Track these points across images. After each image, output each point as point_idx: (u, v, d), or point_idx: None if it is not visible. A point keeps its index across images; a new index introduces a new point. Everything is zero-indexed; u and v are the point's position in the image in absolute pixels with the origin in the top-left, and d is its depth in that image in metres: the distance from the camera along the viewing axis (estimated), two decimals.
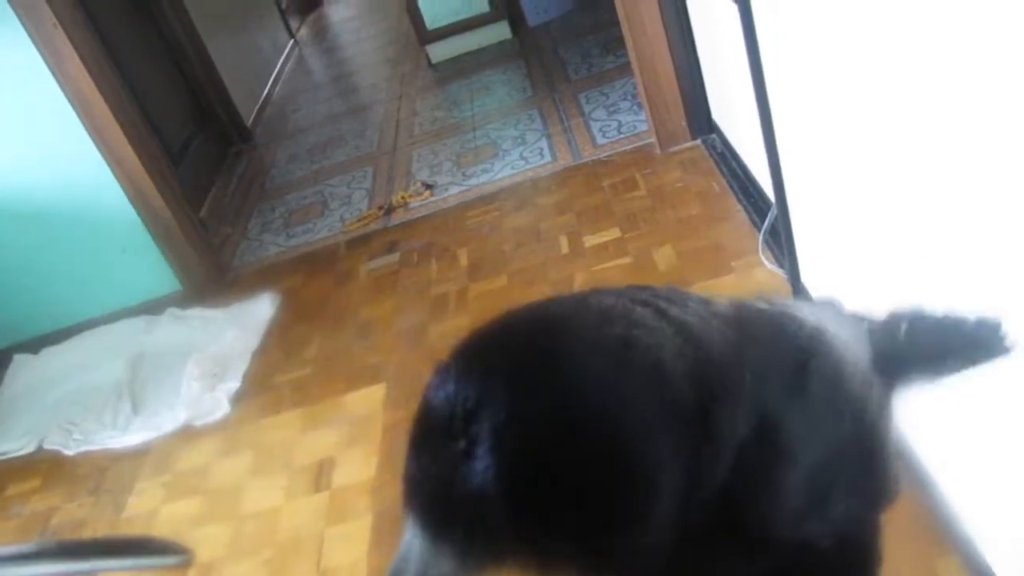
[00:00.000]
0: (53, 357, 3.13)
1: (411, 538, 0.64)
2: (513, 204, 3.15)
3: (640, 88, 2.98)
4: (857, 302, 1.71)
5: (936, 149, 1.13)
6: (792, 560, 0.71)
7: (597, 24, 4.48)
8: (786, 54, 1.67)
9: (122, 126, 3.03)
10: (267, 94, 5.52)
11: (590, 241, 2.74)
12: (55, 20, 2.82)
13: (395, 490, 2.02)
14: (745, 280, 2.30)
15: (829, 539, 0.74)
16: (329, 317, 2.88)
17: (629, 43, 2.87)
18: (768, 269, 2.29)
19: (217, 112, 4.70)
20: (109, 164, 3.05)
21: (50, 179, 3.05)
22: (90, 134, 2.99)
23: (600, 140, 3.37)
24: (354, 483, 2.14)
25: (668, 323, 0.67)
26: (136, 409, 2.69)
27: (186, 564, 2.13)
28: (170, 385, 2.71)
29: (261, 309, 3.02)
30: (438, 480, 0.61)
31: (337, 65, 6.12)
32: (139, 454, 2.54)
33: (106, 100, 2.98)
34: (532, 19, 4.97)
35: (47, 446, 2.68)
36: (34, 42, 2.85)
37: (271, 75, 5.80)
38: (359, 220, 3.44)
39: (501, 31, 4.94)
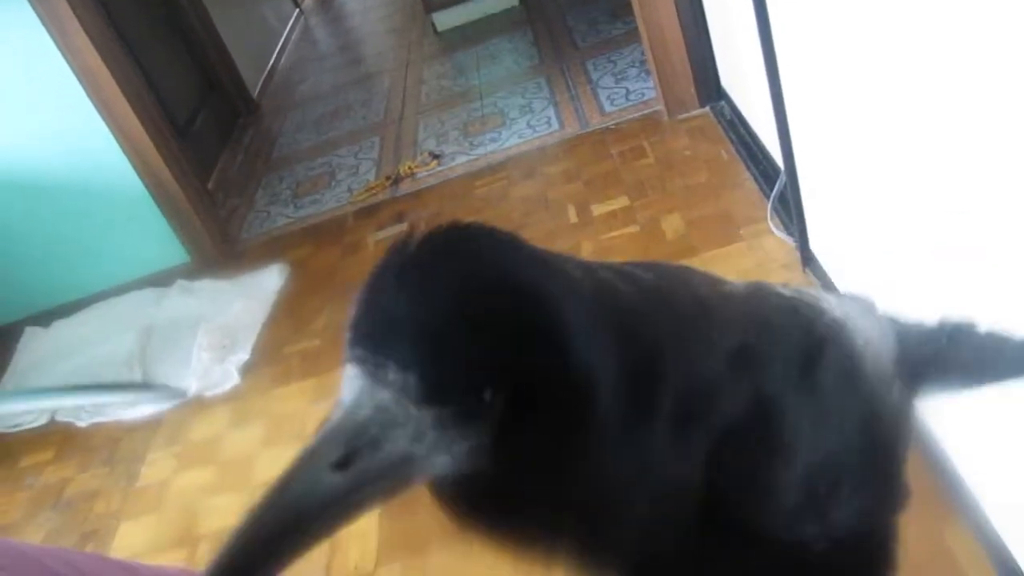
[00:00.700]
0: (63, 330, 3.15)
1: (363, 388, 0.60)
2: (520, 173, 3.14)
3: (648, 55, 2.95)
4: (866, 270, 1.71)
5: (947, 116, 1.12)
6: (782, 561, 0.69)
7: None
8: (796, 20, 1.65)
9: (128, 99, 3.02)
10: (273, 65, 5.50)
11: (598, 210, 2.73)
12: None
13: None
14: (754, 248, 2.29)
15: (824, 543, 0.71)
16: (338, 288, 2.88)
17: (637, 9, 2.84)
18: (777, 237, 2.28)
19: (223, 83, 4.69)
20: (116, 137, 3.05)
21: (57, 153, 3.05)
22: (96, 107, 2.99)
23: (608, 108, 3.35)
24: None
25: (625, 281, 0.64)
26: (147, 380, 2.71)
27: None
28: (180, 356, 2.72)
29: (270, 280, 3.03)
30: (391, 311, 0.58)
31: (343, 34, 6.08)
32: (151, 425, 2.56)
33: (112, 73, 2.97)
34: None
35: (59, 418, 2.70)
36: (39, 16, 2.83)
37: (277, 45, 5.78)
38: (366, 190, 3.43)
39: None
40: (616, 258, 2.46)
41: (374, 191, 3.41)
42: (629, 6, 2.94)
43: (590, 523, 0.62)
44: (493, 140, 3.46)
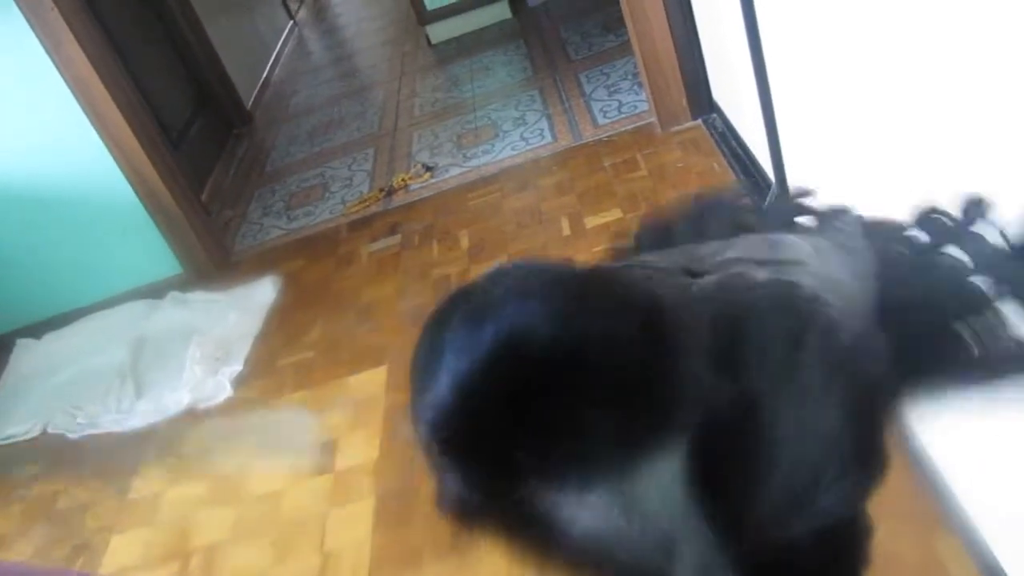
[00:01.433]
0: (56, 341, 3.14)
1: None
2: (514, 185, 3.15)
3: (640, 67, 2.96)
4: None
5: (939, 127, 1.12)
6: (769, 557, 0.69)
7: (597, 3, 4.45)
8: (786, 33, 1.66)
9: (122, 110, 3.02)
10: (267, 76, 5.51)
11: (591, 222, 2.74)
12: (53, 4, 2.81)
13: (398, 472, 2.03)
14: None
15: (810, 538, 0.72)
16: (331, 300, 2.88)
17: (629, 22, 2.85)
18: None
19: (217, 95, 4.69)
20: (109, 148, 3.05)
21: (50, 164, 3.05)
22: (89, 118, 2.99)
23: (601, 120, 3.36)
24: (357, 465, 2.15)
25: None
26: (139, 392, 2.70)
27: None
28: (173, 368, 2.72)
29: (263, 292, 3.03)
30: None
31: (337, 46, 6.10)
32: (143, 437, 2.55)
33: (105, 84, 2.97)
34: None
35: (51, 430, 2.69)
36: (32, 26, 2.83)
37: (270, 57, 5.78)
38: (360, 202, 3.43)
39: (501, 11, 4.92)
40: None
41: (367, 203, 3.41)
42: (622, 19, 2.96)
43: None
44: (486, 152, 3.47)
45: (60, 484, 2.49)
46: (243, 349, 2.75)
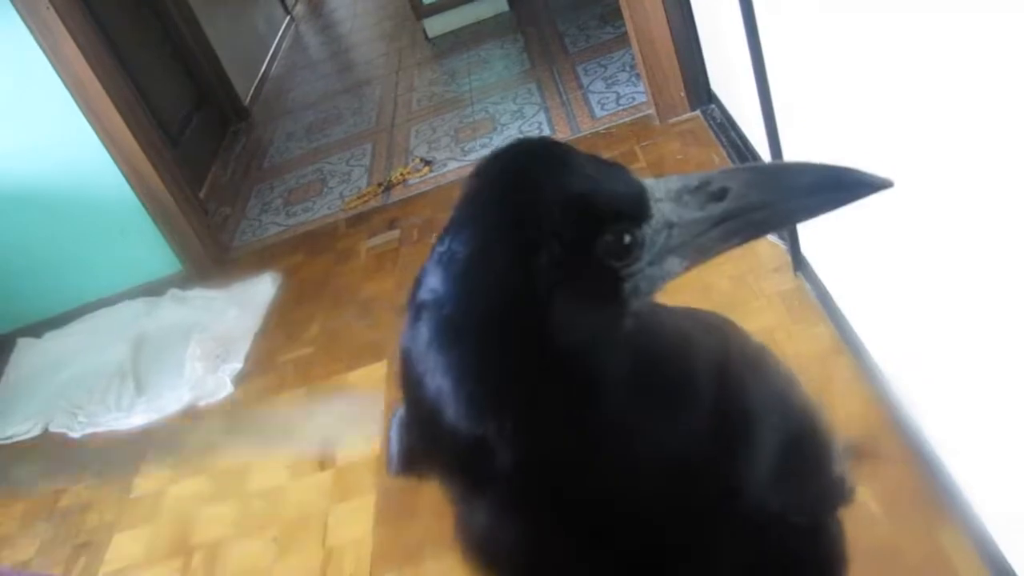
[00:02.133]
0: (56, 341, 3.14)
1: None
2: None
3: (638, 59, 2.95)
4: (857, 273, 1.72)
5: (938, 118, 1.12)
6: (772, 535, 0.70)
7: None
8: (783, 22, 1.66)
9: (119, 108, 3.02)
10: (264, 72, 5.49)
11: None
12: (49, 3, 2.81)
13: None
14: (745, 252, 2.28)
15: (805, 518, 0.73)
16: (330, 295, 2.88)
17: (626, 13, 2.84)
18: (768, 241, 2.28)
19: (214, 91, 4.68)
20: (106, 146, 3.04)
21: (47, 163, 3.04)
22: (87, 117, 2.99)
23: (599, 113, 3.35)
24: (358, 461, 2.15)
25: None
26: (140, 391, 2.70)
27: None
28: (173, 366, 2.72)
29: (262, 289, 3.03)
30: None
31: (334, 41, 6.08)
32: (144, 435, 2.55)
33: (102, 82, 2.96)
34: None
35: (53, 429, 2.69)
36: (28, 25, 2.83)
37: (267, 53, 5.77)
38: (358, 197, 3.43)
39: (498, 4, 4.90)
40: None
41: (366, 198, 3.41)
42: (619, 11, 2.95)
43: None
44: (484, 146, 3.46)
45: (62, 483, 2.49)
46: (243, 346, 2.75)
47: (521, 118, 3.57)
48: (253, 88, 5.18)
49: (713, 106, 2.95)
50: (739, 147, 2.67)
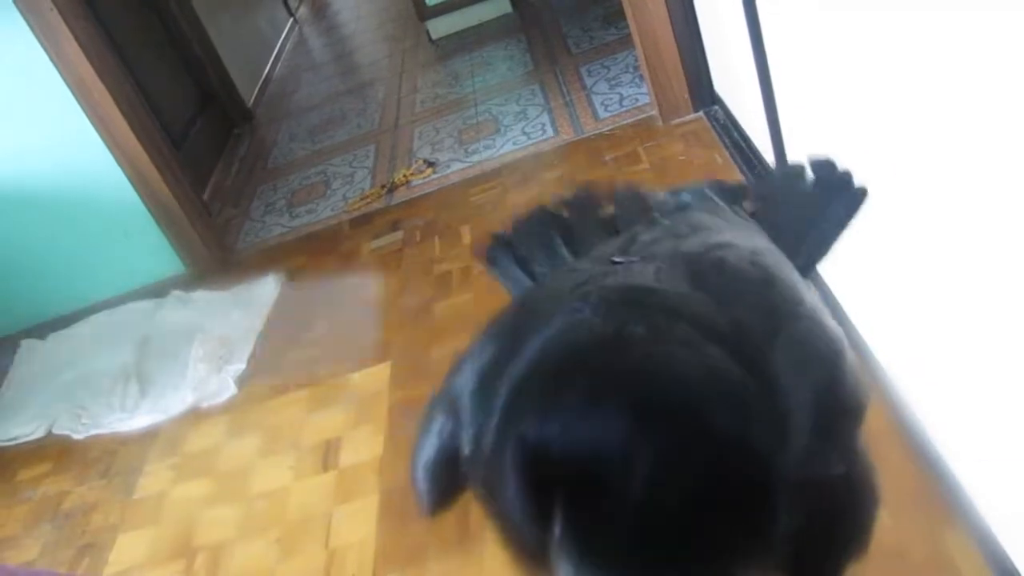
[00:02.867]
0: (60, 342, 3.15)
1: None
2: (515, 180, 3.14)
3: (641, 60, 2.95)
4: (859, 273, 1.71)
5: (941, 119, 1.12)
6: (819, 496, 0.70)
7: None
8: (787, 24, 1.65)
9: (122, 110, 3.02)
10: (267, 74, 5.50)
11: None
12: (52, 4, 2.81)
13: (402, 468, 2.03)
14: None
15: (842, 464, 0.72)
16: (334, 297, 2.88)
17: (629, 15, 2.84)
18: None
19: (218, 93, 4.69)
20: (110, 148, 3.05)
21: (51, 165, 3.05)
22: (90, 119, 2.99)
23: (602, 114, 3.35)
24: (361, 462, 2.14)
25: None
26: (143, 392, 2.70)
27: None
28: (176, 367, 2.72)
29: (266, 290, 3.03)
30: None
31: (337, 43, 6.09)
32: (148, 437, 2.55)
33: (105, 84, 2.97)
34: None
35: (56, 431, 2.69)
36: (31, 27, 2.83)
37: (271, 55, 5.78)
38: (362, 199, 3.43)
39: (501, 5, 4.90)
40: None
41: (369, 199, 3.41)
42: (622, 12, 2.94)
43: None
44: (488, 147, 3.46)
45: (65, 484, 2.49)
46: (246, 347, 2.75)
47: (524, 119, 3.57)
48: (257, 90, 5.19)
49: (717, 107, 2.94)
50: (742, 149, 2.67)
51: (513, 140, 3.44)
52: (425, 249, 2.92)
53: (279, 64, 5.76)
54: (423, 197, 3.29)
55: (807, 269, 0.93)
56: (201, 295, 3.12)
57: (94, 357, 2.95)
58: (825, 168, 1.00)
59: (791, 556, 0.68)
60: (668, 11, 2.79)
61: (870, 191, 0.96)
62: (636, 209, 1.00)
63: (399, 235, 3.08)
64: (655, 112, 3.06)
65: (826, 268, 1.96)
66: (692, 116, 3.01)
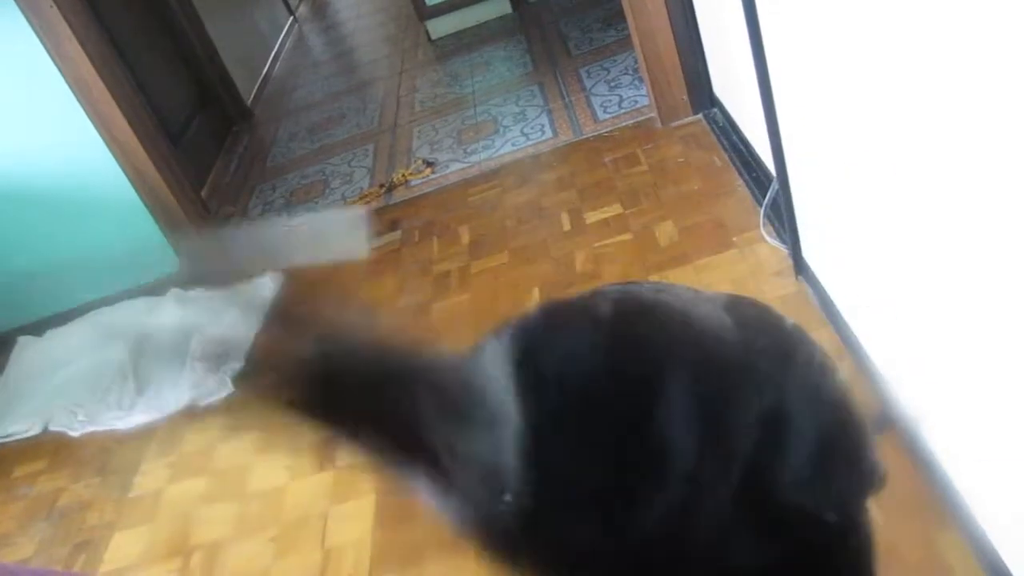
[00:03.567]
0: (57, 339, 3.14)
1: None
2: (514, 181, 3.14)
3: (641, 62, 2.96)
4: (859, 278, 1.71)
5: (939, 121, 1.12)
6: (805, 535, 0.70)
7: None
8: (787, 27, 1.66)
9: (122, 108, 3.02)
10: (267, 73, 5.50)
11: (592, 217, 2.73)
12: (52, 2, 2.81)
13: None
14: (746, 256, 2.29)
15: (835, 514, 0.73)
16: (331, 296, 2.87)
17: (629, 16, 2.85)
18: (770, 244, 2.28)
19: (217, 91, 4.68)
20: (109, 146, 3.04)
21: (50, 162, 3.05)
22: (89, 116, 2.99)
23: (601, 115, 3.35)
24: (358, 462, 2.14)
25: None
26: (140, 390, 2.70)
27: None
28: (174, 366, 2.72)
29: (264, 289, 3.02)
30: None
31: (337, 42, 6.09)
32: (144, 435, 2.55)
33: (105, 81, 2.96)
34: None
35: (53, 428, 2.69)
36: (31, 24, 2.83)
37: (271, 53, 5.78)
38: (360, 198, 3.43)
39: (501, 6, 4.91)
40: (608, 265, 2.46)
41: (368, 199, 3.41)
42: (622, 13, 2.95)
43: None
44: (487, 148, 3.46)
45: (61, 482, 2.49)
46: (243, 346, 2.74)
47: (523, 120, 3.58)
48: (256, 88, 5.19)
49: (715, 110, 2.95)
50: (741, 151, 2.67)
51: (512, 141, 3.44)
52: (423, 249, 2.92)
53: (279, 62, 5.76)
54: (422, 197, 3.29)
55: None
56: (199, 293, 3.11)
57: (91, 354, 2.94)
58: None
59: None
60: (668, 13, 2.80)
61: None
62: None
63: (397, 235, 3.08)
64: (654, 114, 3.06)
65: (823, 270, 1.97)
66: (691, 118, 3.02)
